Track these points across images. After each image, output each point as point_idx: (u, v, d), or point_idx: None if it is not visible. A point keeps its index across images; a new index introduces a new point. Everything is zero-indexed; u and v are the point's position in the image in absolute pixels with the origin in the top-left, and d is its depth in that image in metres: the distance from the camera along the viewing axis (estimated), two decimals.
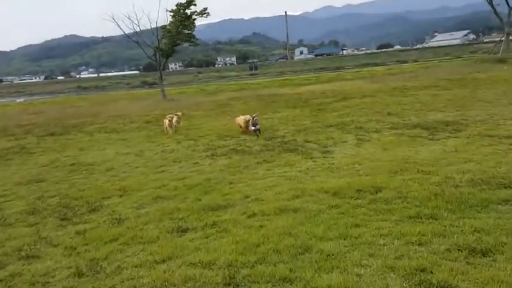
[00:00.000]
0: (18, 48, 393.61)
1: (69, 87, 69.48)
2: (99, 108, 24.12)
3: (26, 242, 4.83)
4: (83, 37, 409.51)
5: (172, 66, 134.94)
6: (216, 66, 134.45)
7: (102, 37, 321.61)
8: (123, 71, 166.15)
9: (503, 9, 34.45)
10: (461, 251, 3.62)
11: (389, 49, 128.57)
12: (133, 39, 29.65)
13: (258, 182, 6.53)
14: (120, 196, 6.46)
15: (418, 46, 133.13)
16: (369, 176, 6.18)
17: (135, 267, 3.93)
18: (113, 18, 29.23)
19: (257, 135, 10.62)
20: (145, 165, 8.59)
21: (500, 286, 3.07)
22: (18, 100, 45.75)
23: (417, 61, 54.87)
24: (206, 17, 28.86)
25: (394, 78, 26.28)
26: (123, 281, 3.69)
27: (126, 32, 30.77)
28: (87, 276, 3.86)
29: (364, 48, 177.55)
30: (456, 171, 6.04)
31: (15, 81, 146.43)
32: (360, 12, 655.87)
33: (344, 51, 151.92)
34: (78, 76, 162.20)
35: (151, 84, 55.01)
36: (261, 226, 4.61)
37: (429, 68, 34.85)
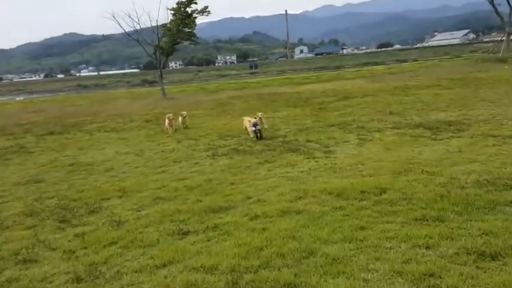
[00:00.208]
0: (18, 46, 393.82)
1: (69, 86, 69.14)
2: (99, 106, 23.99)
3: (23, 246, 4.71)
4: (83, 35, 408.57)
5: (172, 64, 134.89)
6: (217, 64, 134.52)
7: (103, 35, 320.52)
8: (124, 69, 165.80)
9: (504, 9, 34.33)
10: (470, 255, 3.53)
11: (389, 48, 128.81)
12: (134, 37, 29.42)
13: (259, 182, 6.43)
14: (120, 197, 6.34)
15: (418, 45, 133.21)
16: (373, 177, 6.09)
17: (135, 272, 3.84)
18: (113, 16, 28.78)
19: (257, 138, 9.94)
20: (145, 165, 8.49)
21: None
22: (17, 98, 45.53)
23: (417, 60, 54.64)
24: (207, 15, 28.78)
25: (395, 77, 26.15)
26: (122, 287, 3.61)
27: (126, 30, 30.69)
28: (86, 281, 3.77)
29: (364, 47, 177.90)
30: (461, 172, 5.95)
31: (14, 80, 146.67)
32: (360, 11, 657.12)
33: (344, 50, 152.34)
34: (78, 74, 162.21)
35: (151, 83, 54.75)
36: (263, 229, 4.51)
37: (429, 67, 34.71)
